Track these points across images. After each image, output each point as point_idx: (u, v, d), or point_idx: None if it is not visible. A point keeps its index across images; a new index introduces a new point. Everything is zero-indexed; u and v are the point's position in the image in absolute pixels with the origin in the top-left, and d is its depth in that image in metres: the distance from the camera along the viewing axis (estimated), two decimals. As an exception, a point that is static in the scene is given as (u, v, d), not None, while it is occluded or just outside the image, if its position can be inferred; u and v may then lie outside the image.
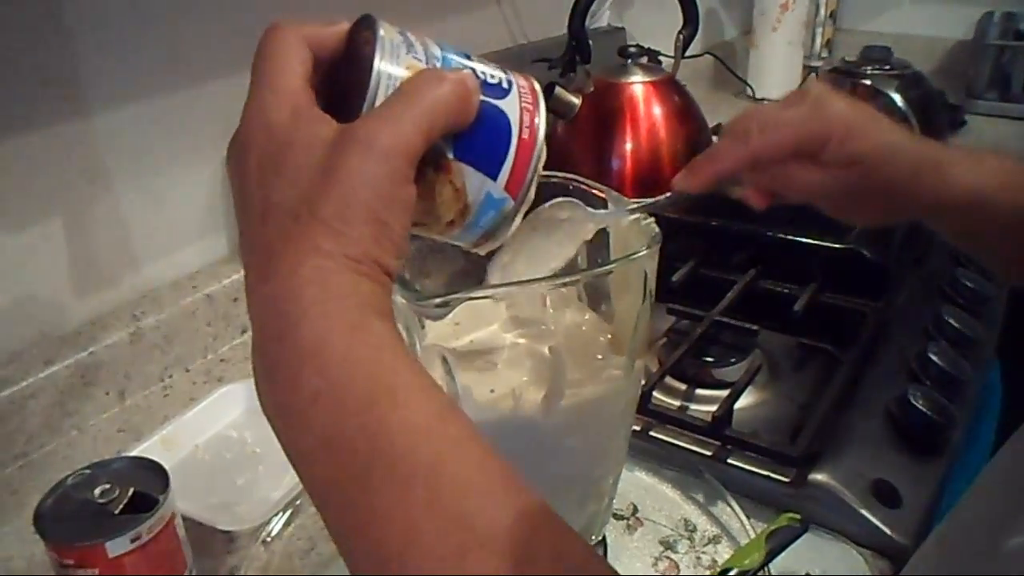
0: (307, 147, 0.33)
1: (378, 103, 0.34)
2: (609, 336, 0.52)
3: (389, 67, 0.34)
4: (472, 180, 0.36)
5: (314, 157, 0.33)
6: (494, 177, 0.36)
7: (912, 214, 0.56)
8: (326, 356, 0.31)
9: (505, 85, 0.37)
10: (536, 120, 0.37)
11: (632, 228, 0.49)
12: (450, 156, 0.36)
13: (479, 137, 0.36)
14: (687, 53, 1.16)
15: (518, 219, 0.39)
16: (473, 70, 0.36)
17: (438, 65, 0.36)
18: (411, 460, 0.30)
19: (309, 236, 0.32)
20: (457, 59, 0.37)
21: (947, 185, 0.53)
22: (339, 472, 0.31)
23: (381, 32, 0.35)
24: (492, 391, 0.47)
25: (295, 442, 0.32)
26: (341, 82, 0.36)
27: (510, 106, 0.36)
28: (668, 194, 0.55)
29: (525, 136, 0.36)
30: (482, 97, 0.36)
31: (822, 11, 1.89)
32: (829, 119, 0.52)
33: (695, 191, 0.55)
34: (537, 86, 0.38)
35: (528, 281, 0.46)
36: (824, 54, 1.92)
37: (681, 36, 1.13)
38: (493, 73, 0.37)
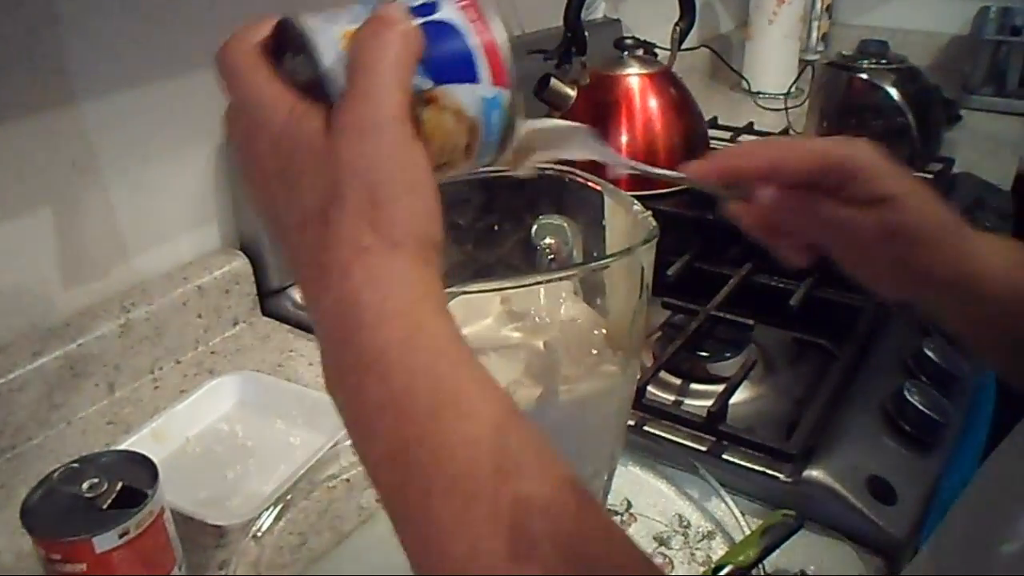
0: (310, 147, 0.33)
1: (338, 76, 0.34)
2: (604, 331, 0.52)
3: (331, 52, 0.35)
4: (463, 95, 0.36)
5: (320, 155, 0.33)
6: (477, 80, 0.36)
7: (925, 284, 0.50)
8: (386, 365, 0.32)
9: None
10: (478, 10, 0.37)
11: (629, 222, 0.48)
12: (431, 86, 0.36)
13: (441, 55, 0.36)
14: (683, 46, 1.15)
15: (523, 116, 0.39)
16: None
17: (363, 16, 0.36)
18: (473, 474, 0.30)
19: (348, 235, 0.32)
20: (373, 2, 0.37)
21: (969, 257, 0.49)
22: (404, 484, 0.31)
23: (306, 26, 0.35)
24: (486, 386, 0.47)
25: (365, 451, 0.33)
26: (297, 82, 0.36)
27: (448, 13, 0.37)
28: (679, 174, 0.51)
29: (479, 28, 0.37)
30: (420, 20, 0.36)
31: (818, 4, 1.88)
32: (857, 155, 0.48)
33: (706, 177, 0.50)
34: None
35: (522, 277, 0.45)
36: (820, 48, 1.91)
37: (678, 28, 1.12)
38: None
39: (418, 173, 0.34)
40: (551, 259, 0.54)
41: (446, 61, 0.36)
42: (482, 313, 0.51)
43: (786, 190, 0.48)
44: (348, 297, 0.32)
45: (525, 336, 0.50)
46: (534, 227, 0.55)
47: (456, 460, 0.30)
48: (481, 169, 0.42)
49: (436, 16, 0.36)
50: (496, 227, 0.56)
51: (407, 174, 0.33)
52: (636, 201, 0.49)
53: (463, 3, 0.37)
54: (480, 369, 0.33)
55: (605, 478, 0.55)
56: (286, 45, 0.36)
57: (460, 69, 0.36)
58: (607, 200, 0.52)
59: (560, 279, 0.51)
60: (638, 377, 0.66)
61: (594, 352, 0.50)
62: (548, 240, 0.54)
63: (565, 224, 0.54)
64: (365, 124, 0.33)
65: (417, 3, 0.37)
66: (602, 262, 0.49)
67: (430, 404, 0.31)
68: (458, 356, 0.33)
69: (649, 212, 0.47)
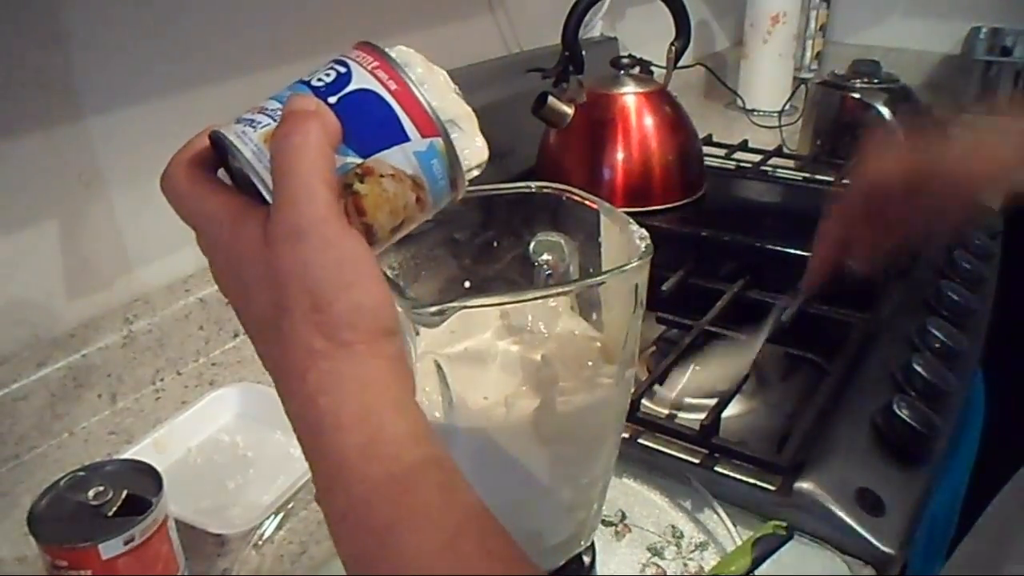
0: (252, 258, 0.34)
1: (268, 180, 0.35)
2: (599, 345, 0.53)
3: (255, 157, 0.35)
4: (395, 158, 0.36)
5: (260, 266, 0.34)
6: (406, 139, 0.37)
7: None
8: (347, 476, 0.33)
9: (343, 70, 0.37)
10: (390, 68, 0.37)
11: (624, 240, 0.50)
12: (361, 161, 0.36)
13: (363, 127, 0.36)
14: (678, 64, 1.17)
15: (471, 141, 0.39)
16: (308, 85, 0.37)
17: (279, 112, 0.36)
18: None
19: (300, 341, 0.33)
20: (288, 92, 0.37)
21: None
22: None
23: (229, 137, 0.36)
24: (485, 398, 0.48)
25: (337, 550, 0.34)
26: (241, 188, 0.37)
27: (362, 81, 0.37)
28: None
29: (393, 87, 0.37)
30: (335, 97, 0.36)
31: (812, 24, 1.91)
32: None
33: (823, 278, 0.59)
34: (370, 44, 0.38)
35: (521, 292, 0.47)
36: (814, 66, 1.94)
37: (673, 47, 1.14)
38: (327, 72, 0.37)
39: (356, 268, 0.34)
40: (548, 275, 0.55)
41: (370, 131, 0.36)
42: (482, 326, 0.52)
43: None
44: (307, 403, 0.33)
45: (523, 349, 0.51)
46: (532, 243, 0.56)
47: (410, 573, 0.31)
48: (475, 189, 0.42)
49: (350, 88, 0.37)
50: (495, 243, 0.58)
51: (342, 273, 0.33)
52: (631, 219, 0.50)
53: (373, 65, 0.37)
54: (441, 471, 0.34)
55: (600, 489, 0.56)
56: (223, 154, 0.37)
57: (386, 134, 0.36)
58: (603, 218, 0.53)
59: (557, 295, 0.53)
60: (632, 390, 0.67)
61: (590, 365, 0.51)
62: (546, 256, 0.55)
63: (562, 241, 0.55)
64: (293, 231, 0.33)
65: (330, 79, 0.37)
66: (598, 279, 0.50)
67: (387, 517, 0.32)
68: (417, 459, 0.33)
69: (644, 230, 0.49)
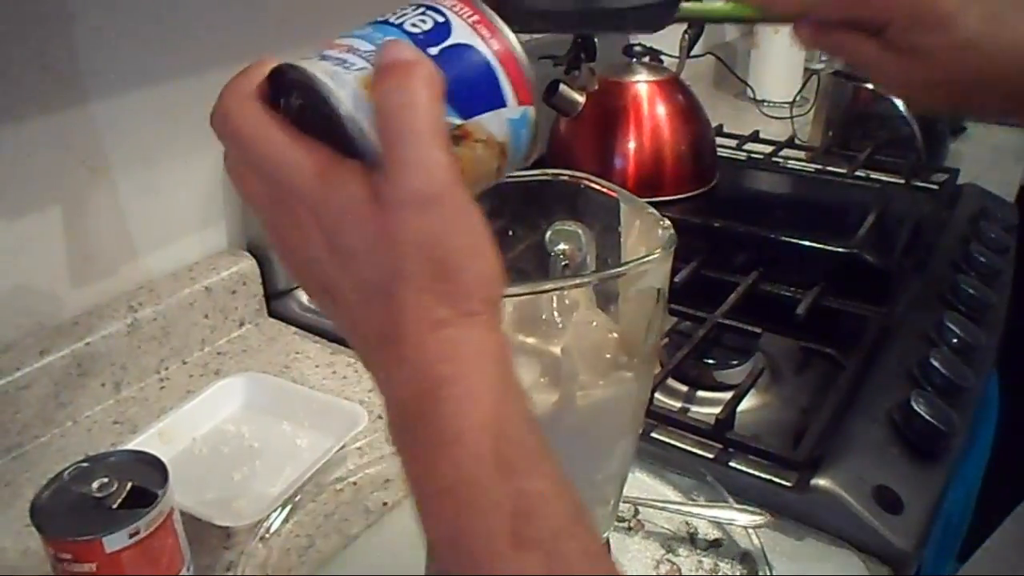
0: (358, 220, 0.32)
1: (370, 134, 0.32)
2: (617, 336, 0.52)
3: (351, 103, 0.32)
4: (491, 124, 0.34)
5: (372, 230, 0.32)
6: (503, 104, 0.34)
7: (990, 106, 0.53)
8: (461, 449, 0.31)
9: (440, 19, 0.34)
10: (490, 24, 0.34)
11: (645, 229, 0.48)
12: (461, 123, 0.34)
13: (465, 86, 0.33)
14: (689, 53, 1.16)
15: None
16: (400, 29, 0.34)
17: (373, 56, 0.33)
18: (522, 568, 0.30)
19: (421, 310, 0.31)
20: (380, 36, 0.34)
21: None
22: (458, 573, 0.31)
23: (320, 78, 0.32)
24: (502, 392, 0.47)
25: (425, 526, 0.32)
26: (311, 128, 0.33)
27: (463, 35, 0.34)
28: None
29: (496, 47, 0.34)
30: (436, 50, 0.33)
31: (824, 14, 1.88)
32: (894, 2, 0.48)
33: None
34: None
35: (539, 283, 0.45)
36: (825, 57, 1.91)
37: (687, 35, 1.13)
38: (420, 18, 0.34)
39: (481, 235, 0.32)
40: (565, 265, 0.54)
41: (471, 92, 0.34)
42: (497, 318, 0.51)
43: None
44: (425, 370, 0.31)
45: (539, 342, 0.50)
46: (548, 233, 0.54)
47: (506, 560, 0.30)
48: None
49: (451, 41, 0.34)
50: (510, 232, 0.56)
51: (472, 240, 0.32)
52: (652, 208, 0.49)
53: (475, 18, 0.34)
54: (553, 463, 0.32)
55: (617, 485, 0.55)
56: (287, 93, 0.34)
57: (486, 97, 0.34)
58: (623, 206, 0.51)
59: (575, 286, 0.51)
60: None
61: (608, 358, 0.50)
62: (562, 246, 0.54)
63: (580, 230, 0.54)
64: (421, 198, 0.31)
65: (427, 27, 0.34)
66: (619, 269, 0.49)
67: (496, 500, 0.30)
68: (533, 444, 0.32)
69: (666, 220, 0.47)
